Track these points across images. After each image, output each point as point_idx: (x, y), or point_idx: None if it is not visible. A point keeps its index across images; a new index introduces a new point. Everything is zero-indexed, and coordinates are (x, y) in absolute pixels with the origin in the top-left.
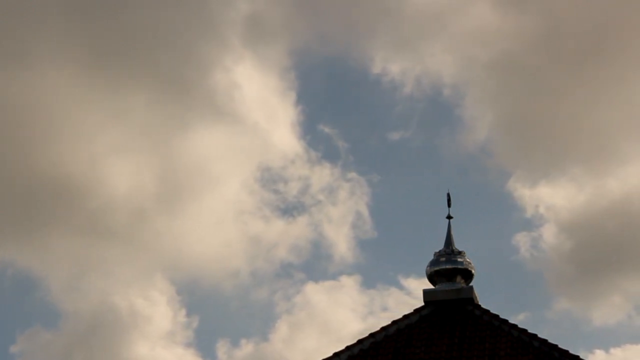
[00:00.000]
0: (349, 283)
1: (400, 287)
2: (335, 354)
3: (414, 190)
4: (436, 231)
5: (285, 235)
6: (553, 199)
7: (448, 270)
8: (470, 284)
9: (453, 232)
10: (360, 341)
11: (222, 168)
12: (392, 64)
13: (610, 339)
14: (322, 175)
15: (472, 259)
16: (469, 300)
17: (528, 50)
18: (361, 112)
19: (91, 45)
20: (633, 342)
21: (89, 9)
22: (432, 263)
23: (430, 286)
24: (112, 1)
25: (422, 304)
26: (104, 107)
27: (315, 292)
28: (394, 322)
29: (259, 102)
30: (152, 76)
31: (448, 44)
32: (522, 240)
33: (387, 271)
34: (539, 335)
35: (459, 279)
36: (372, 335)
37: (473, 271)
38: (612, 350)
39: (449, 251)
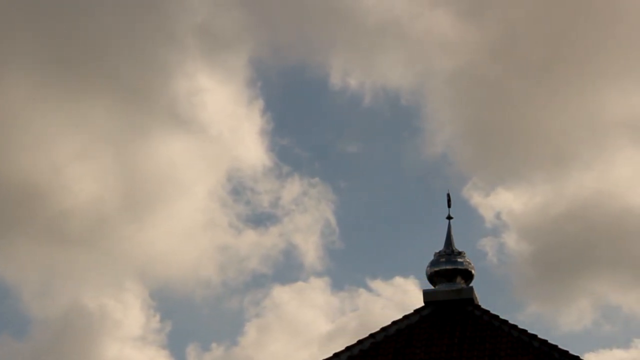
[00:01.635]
0: (319, 285)
1: (369, 289)
2: (335, 354)
3: (377, 197)
4: (409, 233)
5: (255, 246)
6: (513, 205)
7: (448, 271)
8: (471, 285)
9: (452, 233)
10: (360, 341)
11: (186, 176)
12: (350, 76)
13: (581, 343)
14: (287, 185)
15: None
16: (469, 301)
17: (487, 59)
18: (322, 124)
19: (52, 52)
20: (606, 347)
21: (50, 17)
22: (432, 263)
23: (427, 286)
24: (72, 9)
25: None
26: (65, 115)
27: (283, 295)
28: (394, 323)
29: (221, 110)
30: (113, 84)
31: (407, 55)
32: (487, 244)
33: (354, 273)
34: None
35: (459, 279)
36: (372, 335)
37: (473, 271)
38: (586, 355)
39: (449, 251)
